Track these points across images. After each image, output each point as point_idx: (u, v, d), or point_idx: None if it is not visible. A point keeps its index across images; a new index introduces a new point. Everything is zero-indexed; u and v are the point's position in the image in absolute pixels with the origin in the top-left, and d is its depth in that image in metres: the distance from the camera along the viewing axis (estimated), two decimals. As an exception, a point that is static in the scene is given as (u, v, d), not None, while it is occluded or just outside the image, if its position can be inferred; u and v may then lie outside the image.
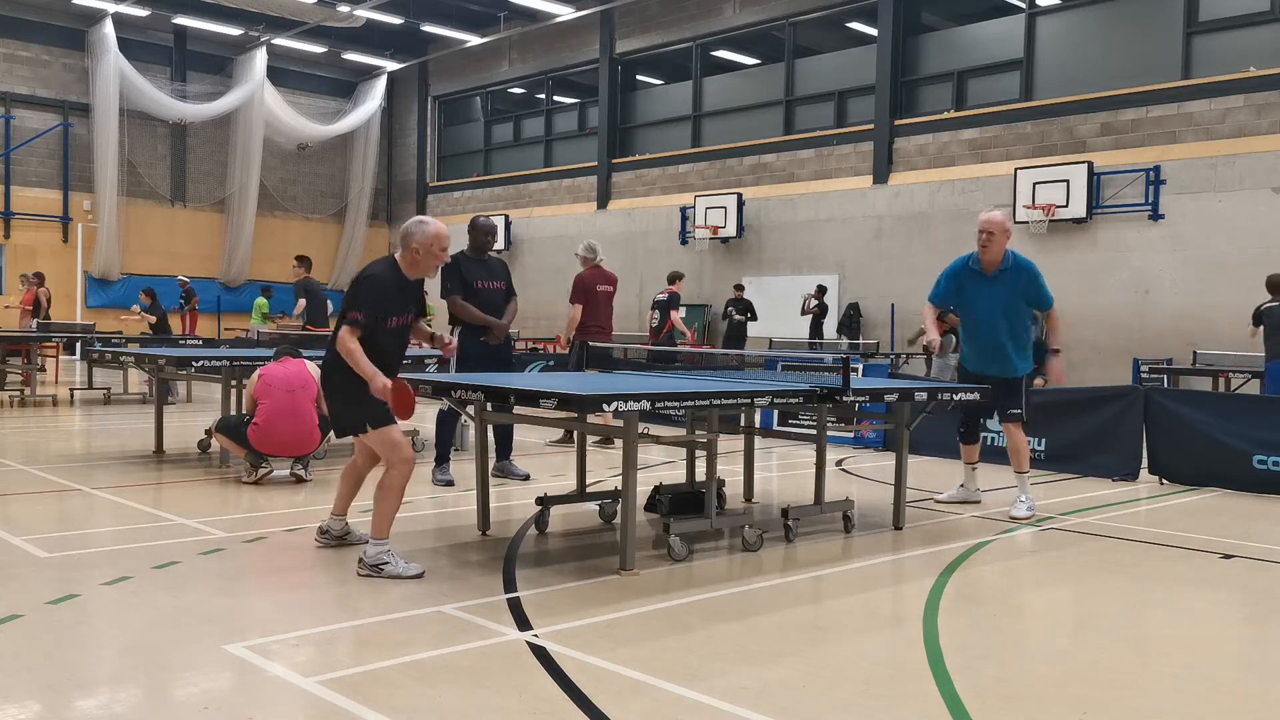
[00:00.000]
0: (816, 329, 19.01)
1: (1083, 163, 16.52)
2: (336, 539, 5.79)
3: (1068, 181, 16.58)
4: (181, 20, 25.47)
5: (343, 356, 5.20)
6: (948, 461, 10.02)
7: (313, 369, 8.26)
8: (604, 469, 8.95)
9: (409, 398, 5.24)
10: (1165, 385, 12.55)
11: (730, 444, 9.69)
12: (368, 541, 5.34)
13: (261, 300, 22.95)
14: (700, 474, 7.07)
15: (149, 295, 18.29)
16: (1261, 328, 11.79)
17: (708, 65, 23.27)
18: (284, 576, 5.37)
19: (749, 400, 5.80)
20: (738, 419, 7.85)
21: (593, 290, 10.80)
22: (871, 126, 19.64)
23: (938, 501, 7.93)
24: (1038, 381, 14.51)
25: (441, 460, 8.31)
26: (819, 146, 20.56)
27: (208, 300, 27.33)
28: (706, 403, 5.63)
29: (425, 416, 11.72)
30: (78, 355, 19.49)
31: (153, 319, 17.81)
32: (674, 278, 15.72)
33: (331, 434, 8.51)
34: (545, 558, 5.93)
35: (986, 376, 7.45)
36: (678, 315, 15.66)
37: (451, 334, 8.43)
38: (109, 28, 24.91)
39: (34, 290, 18.28)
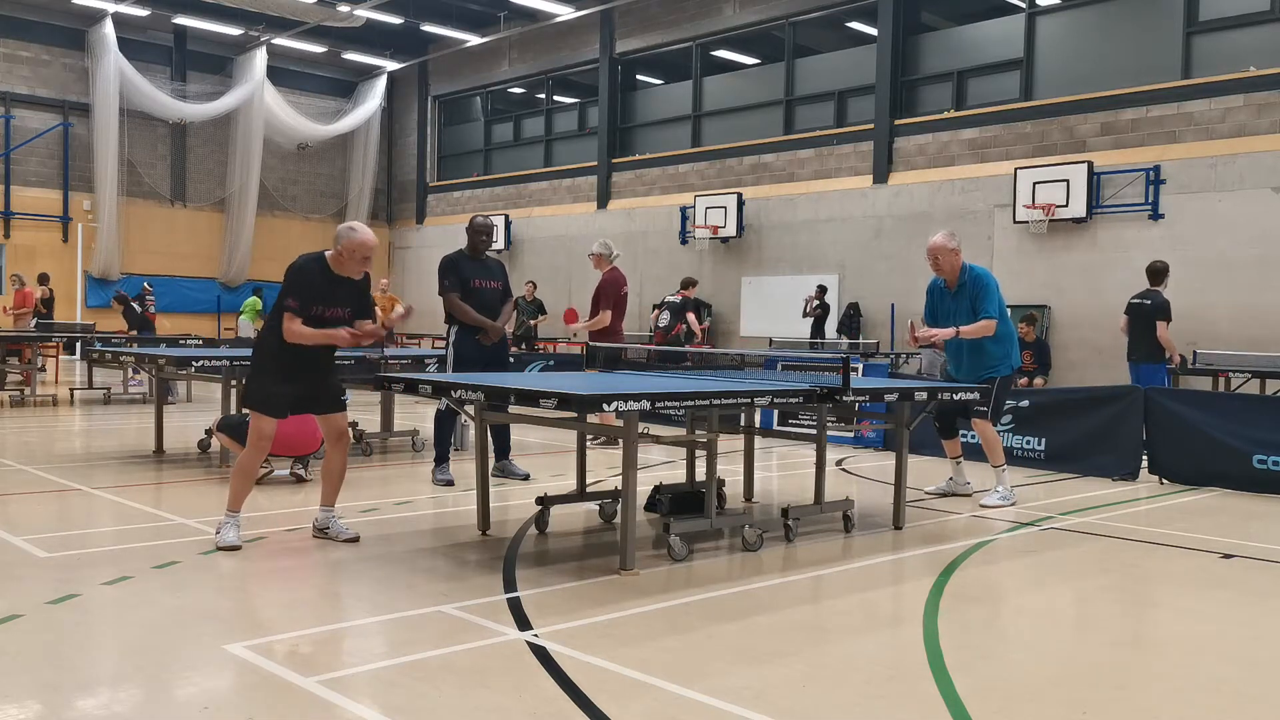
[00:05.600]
0: (818, 329, 19.01)
1: (1083, 162, 16.51)
2: (320, 530, 6.10)
3: (1068, 181, 16.57)
4: (181, 20, 25.45)
5: (291, 341, 5.68)
6: (948, 461, 10.02)
7: None
8: (604, 469, 8.95)
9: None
10: (1165, 385, 12.53)
11: (730, 444, 9.69)
12: (352, 540, 5.95)
13: (254, 300, 22.93)
14: (700, 474, 7.07)
15: (120, 301, 18.12)
16: (1127, 320, 11.48)
17: (708, 65, 23.26)
18: (284, 576, 5.37)
19: (749, 400, 5.80)
20: (738, 419, 7.85)
21: (619, 293, 10.69)
22: (871, 126, 19.62)
23: (926, 493, 8.15)
24: (1037, 381, 14.57)
25: (441, 460, 8.31)
26: (819, 146, 20.55)
27: (208, 300, 27.38)
28: (706, 403, 5.63)
29: (425, 416, 11.72)
30: (78, 355, 19.49)
31: (133, 332, 17.64)
32: (689, 283, 15.70)
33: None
34: (545, 558, 5.93)
35: (958, 379, 7.95)
36: (694, 318, 15.83)
37: (448, 333, 8.43)
38: (109, 28, 24.88)
39: (25, 291, 18.11)
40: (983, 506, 7.75)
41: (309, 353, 5.79)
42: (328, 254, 5.83)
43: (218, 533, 5.85)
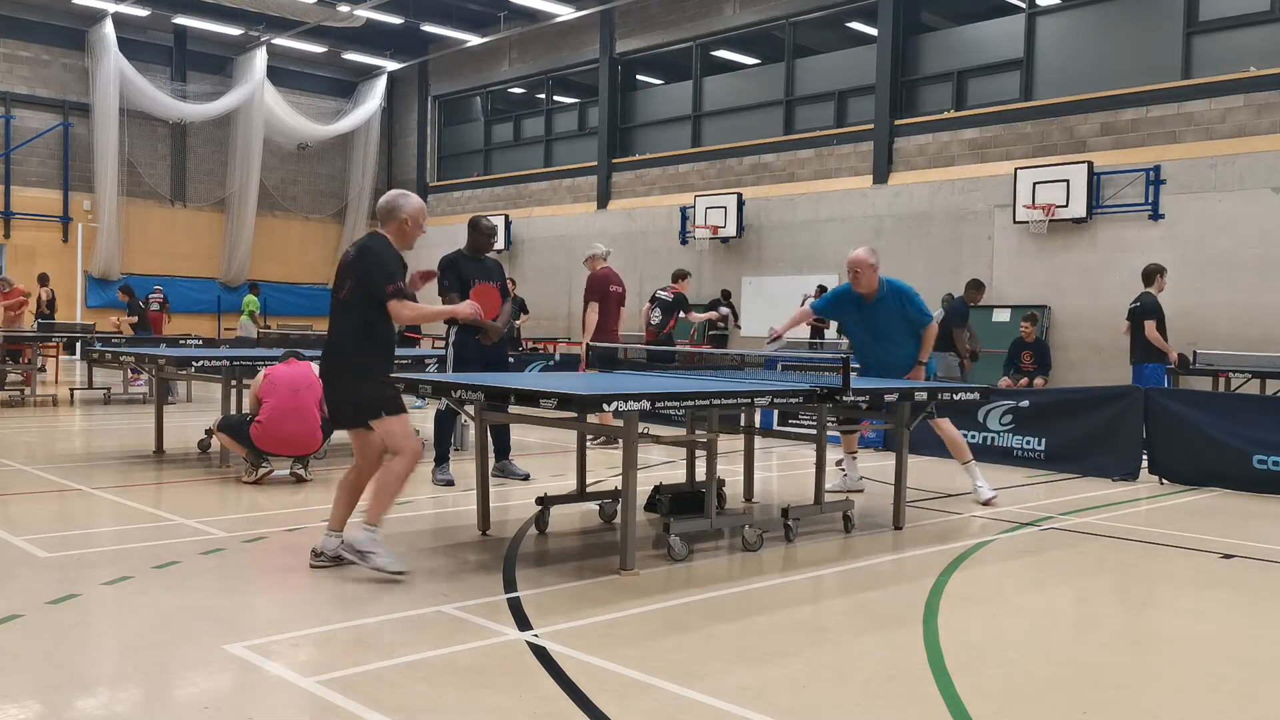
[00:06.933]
0: (817, 330, 18.99)
1: (1083, 163, 16.52)
2: (333, 560, 5.36)
3: (1068, 181, 16.57)
4: (181, 20, 25.45)
5: (410, 321, 5.33)
6: (948, 461, 10.02)
7: (318, 371, 8.26)
8: (604, 469, 8.95)
9: (490, 296, 5.95)
10: (1165, 385, 12.54)
11: (730, 444, 9.69)
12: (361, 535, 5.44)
13: (250, 298, 22.92)
14: (700, 474, 7.07)
15: (126, 292, 18.10)
16: (1129, 324, 11.59)
17: (708, 65, 23.26)
18: (284, 576, 5.37)
19: (749, 400, 5.80)
20: (738, 419, 7.85)
21: (607, 290, 10.70)
22: (871, 126, 19.62)
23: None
24: (1037, 381, 14.56)
25: (441, 460, 8.31)
26: (819, 146, 20.55)
27: (208, 300, 27.39)
28: (706, 403, 5.63)
29: (425, 416, 11.72)
30: (78, 355, 19.47)
31: (133, 319, 17.63)
32: (679, 276, 15.44)
33: (332, 435, 8.51)
34: (545, 558, 5.93)
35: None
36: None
37: (447, 333, 8.43)
38: (109, 28, 24.89)
39: (15, 291, 17.97)
40: (983, 504, 7.81)
41: (391, 355, 5.39)
42: (384, 231, 5.34)
43: (363, 552, 5.14)
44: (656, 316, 14.85)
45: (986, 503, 7.85)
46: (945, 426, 8.11)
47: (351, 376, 5.28)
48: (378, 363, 5.29)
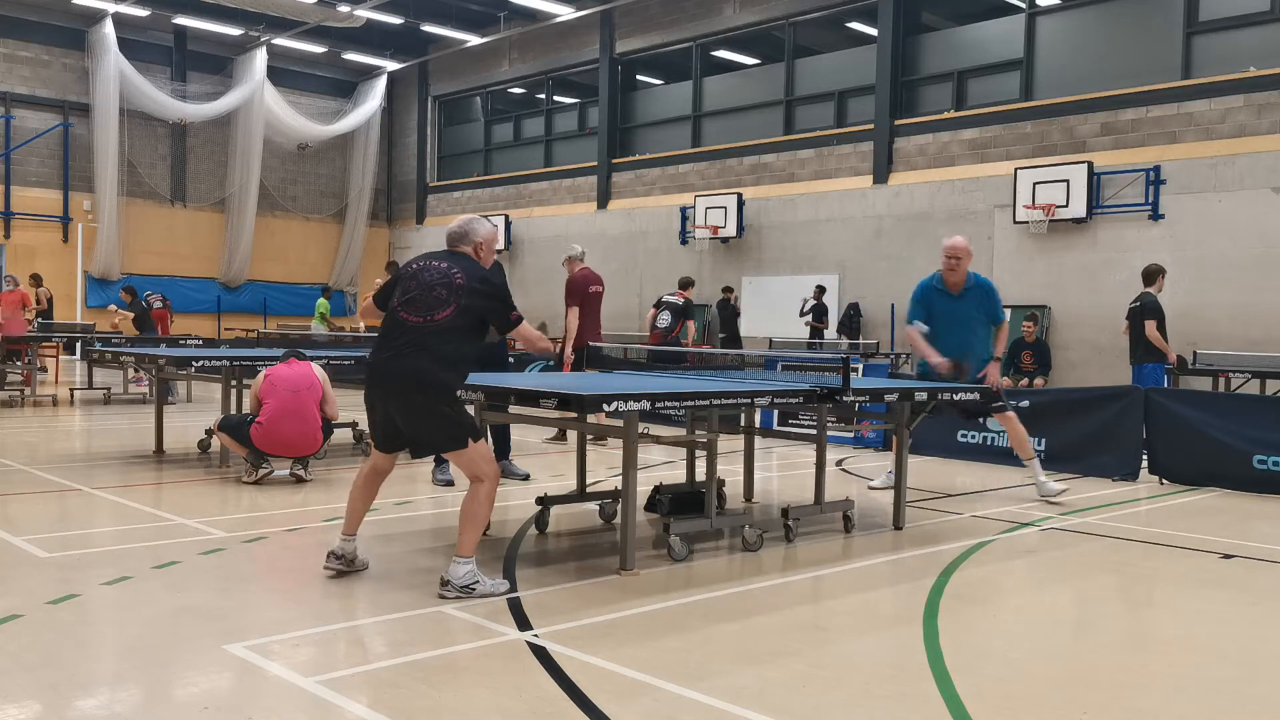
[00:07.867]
0: (816, 331, 19.01)
1: (1083, 163, 16.52)
2: (349, 564, 5.22)
3: (1068, 181, 16.57)
4: (181, 20, 25.45)
5: (527, 340, 5.31)
6: (948, 461, 10.04)
7: (318, 371, 8.27)
8: (604, 469, 8.95)
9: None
10: (1165, 385, 12.54)
11: (730, 444, 9.69)
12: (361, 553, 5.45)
13: (322, 301, 22.95)
14: (700, 474, 7.07)
15: (129, 293, 18.13)
16: (1129, 324, 11.56)
17: (708, 65, 23.26)
18: (284, 576, 5.37)
19: (749, 400, 5.80)
20: (738, 419, 7.85)
21: (587, 291, 10.78)
22: (871, 126, 19.63)
23: (870, 488, 8.38)
24: (1037, 382, 14.57)
25: (441, 460, 8.30)
26: (819, 146, 20.55)
27: (208, 300, 27.39)
28: (706, 403, 5.63)
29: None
30: (78, 355, 19.46)
31: (131, 315, 17.62)
32: (687, 283, 15.74)
33: (331, 435, 8.50)
34: (545, 558, 5.93)
35: (957, 384, 8.08)
36: (693, 323, 15.88)
37: None
38: (109, 28, 24.88)
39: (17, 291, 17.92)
40: (1052, 503, 7.93)
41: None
42: (467, 252, 5.23)
43: (467, 587, 4.87)
44: (665, 320, 14.97)
45: (1055, 498, 8.02)
46: (1013, 420, 8.25)
47: (450, 403, 5.00)
48: (456, 393, 5.10)
